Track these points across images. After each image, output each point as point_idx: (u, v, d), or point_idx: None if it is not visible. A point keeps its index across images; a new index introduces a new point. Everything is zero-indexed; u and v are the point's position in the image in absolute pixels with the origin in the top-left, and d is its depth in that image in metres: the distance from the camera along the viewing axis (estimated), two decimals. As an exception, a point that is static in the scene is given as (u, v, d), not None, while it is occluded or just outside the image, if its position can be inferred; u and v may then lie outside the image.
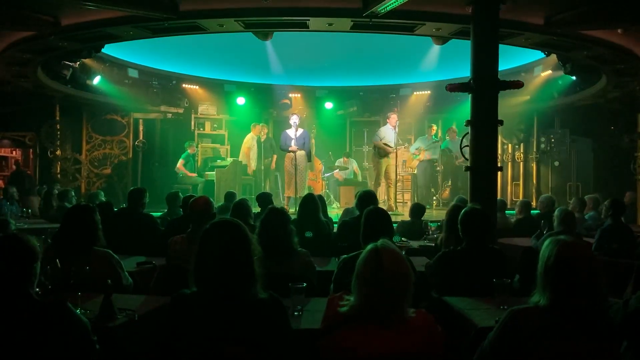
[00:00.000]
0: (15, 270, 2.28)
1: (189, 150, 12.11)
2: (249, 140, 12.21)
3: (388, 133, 10.38)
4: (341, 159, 12.90)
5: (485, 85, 5.97)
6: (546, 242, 2.24)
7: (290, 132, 10.27)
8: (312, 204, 5.43)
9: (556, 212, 5.41)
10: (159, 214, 7.58)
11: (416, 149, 11.87)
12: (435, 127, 12.46)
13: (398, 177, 10.88)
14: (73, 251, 3.52)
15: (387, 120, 10.62)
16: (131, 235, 5.25)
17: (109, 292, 2.81)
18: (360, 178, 12.97)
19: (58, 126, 12.38)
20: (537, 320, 2.12)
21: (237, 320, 2.21)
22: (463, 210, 3.79)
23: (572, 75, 9.84)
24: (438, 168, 12.31)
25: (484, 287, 3.24)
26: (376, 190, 10.36)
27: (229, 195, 7.43)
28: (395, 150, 10.21)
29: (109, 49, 9.92)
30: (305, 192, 10.33)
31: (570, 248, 2.15)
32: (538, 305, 2.17)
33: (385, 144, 10.31)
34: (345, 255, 3.62)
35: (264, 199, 6.50)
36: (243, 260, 2.27)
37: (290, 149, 10.16)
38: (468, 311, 3.05)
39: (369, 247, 2.22)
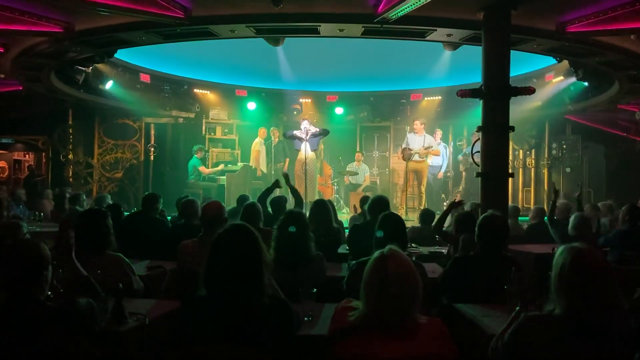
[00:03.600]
0: (24, 277, 2.30)
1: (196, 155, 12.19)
2: (257, 144, 12.28)
3: (412, 139, 10.86)
4: (353, 163, 12.87)
5: (497, 92, 5.95)
6: (559, 250, 2.22)
7: (300, 134, 10.37)
8: (324, 209, 5.35)
9: (571, 218, 5.37)
10: (168, 217, 7.61)
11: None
12: (440, 131, 12.43)
13: (408, 183, 10.91)
14: (85, 255, 3.54)
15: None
16: (142, 239, 5.28)
17: (120, 296, 2.82)
18: (369, 183, 12.95)
19: (71, 130, 12.52)
20: (551, 328, 2.10)
21: (245, 325, 2.22)
22: (483, 215, 3.77)
23: (584, 81, 9.79)
24: (448, 174, 12.30)
25: (495, 294, 3.22)
26: (402, 195, 10.58)
27: (242, 199, 7.43)
28: (413, 153, 10.38)
29: (121, 54, 10.00)
30: (316, 197, 10.34)
31: (585, 256, 2.12)
32: (552, 313, 2.14)
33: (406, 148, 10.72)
34: (354, 261, 3.62)
35: (278, 203, 6.48)
36: (253, 266, 2.28)
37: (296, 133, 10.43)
38: (479, 318, 3.03)
39: (376, 254, 2.22)
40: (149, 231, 5.54)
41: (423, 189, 10.93)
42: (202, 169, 11.88)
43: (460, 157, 12.48)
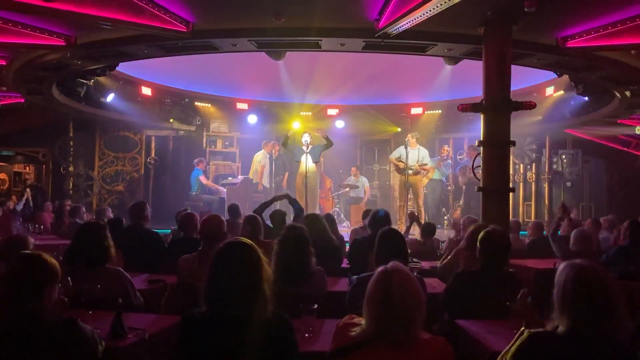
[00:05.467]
0: (33, 288, 2.29)
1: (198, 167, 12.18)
2: (263, 159, 12.27)
3: (404, 152, 10.71)
4: (351, 177, 12.89)
5: (497, 106, 5.96)
6: (561, 267, 2.21)
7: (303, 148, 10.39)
8: (317, 223, 5.25)
9: (573, 233, 5.36)
10: (168, 231, 7.59)
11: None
12: (447, 148, 12.48)
13: (410, 196, 10.89)
14: (84, 268, 3.53)
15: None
16: (136, 252, 5.10)
17: (120, 311, 2.80)
18: (369, 196, 12.96)
19: (71, 142, 12.53)
20: (556, 345, 2.08)
21: (245, 341, 2.20)
22: (484, 230, 3.75)
23: (584, 96, 9.81)
24: (449, 187, 12.29)
25: (497, 309, 3.20)
26: (400, 210, 10.53)
27: (232, 208, 7.38)
28: (407, 168, 10.36)
29: (122, 67, 10.04)
30: (317, 210, 10.33)
31: (587, 272, 2.11)
32: (556, 331, 2.12)
33: (401, 161, 10.67)
34: (355, 276, 3.60)
35: (278, 217, 6.47)
36: (253, 282, 2.26)
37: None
38: (481, 335, 3.00)
39: (379, 269, 2.21)
40: (141, 244, 5.38)
41: (421, 203, 10.89)
42: (202, 178, 11.88)
43: (458, 170, 12.45)
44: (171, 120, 12.99)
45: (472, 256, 4.26)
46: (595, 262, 2.41)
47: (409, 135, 11.08)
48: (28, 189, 11.07)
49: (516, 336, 2.30)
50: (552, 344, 2.10)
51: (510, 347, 2.22)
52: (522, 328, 2.41)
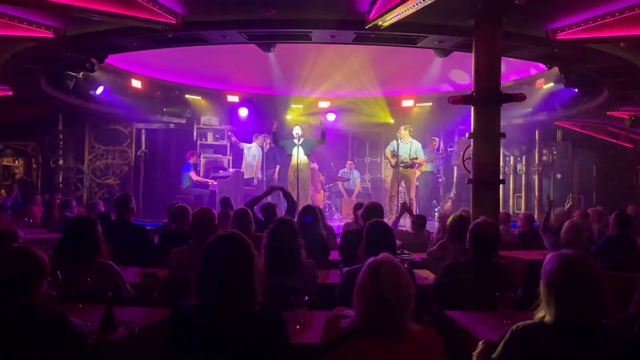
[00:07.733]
0: (21, 283, 2.29)
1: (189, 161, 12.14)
2: (257, 152, 12.24)
3: (399, 146, 10.71)
4: (345, 169, 12.91)
5: (488, 98, 5.96)
6: (548, 257, 2.22)
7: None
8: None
9: (565, 223, 5.41)
10: (159, 224, 7.57)
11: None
12: (436, 139, 12.50)
13: (401, 188, 10.91)
14: (74, 262, 3.51)
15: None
16: (122, 245, 5.03)
17: (110, 304, 2.80)
18: (360, 189, 12.98)
19: (61, 136, 12.43)
20: (543, 337, 2.10)
21: (236, 333, 2.21)
22: (474, 222, 3.77)
23: (573, 88, 9.84)
24: (440, 180, 12.30)
25: (487, 300, 3.22)
26: (391, 201, 10.54)
27: (225, 201, 7.37)
28: (398, 162, 10.36)
29: (111, 59, 9.96)
30: (309, 202, 10.30)
31: (573, 262, 2.13)
32: (543, 321, 2.14)
33: (394, 155, 10.68)
34: (345, 268, 3.61)
35: (268, 210, 6.47)
36: (245, 275, 2.27)
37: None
38: (471, 326, 3.02)
39: (369, 260, 2.22)
40: (128, 237, 5.34)
41: (412, 195, 10.91)
42: (191, 174, 11.84)
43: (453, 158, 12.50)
44: (162, 112, 12.90)
45: (458, 248, 4.29)
46: (584, 252, 2.42)
47: (401, 128, 11.04)
48: (16, 185, 10.95)
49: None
50: (540, 334, 2.11)
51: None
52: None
